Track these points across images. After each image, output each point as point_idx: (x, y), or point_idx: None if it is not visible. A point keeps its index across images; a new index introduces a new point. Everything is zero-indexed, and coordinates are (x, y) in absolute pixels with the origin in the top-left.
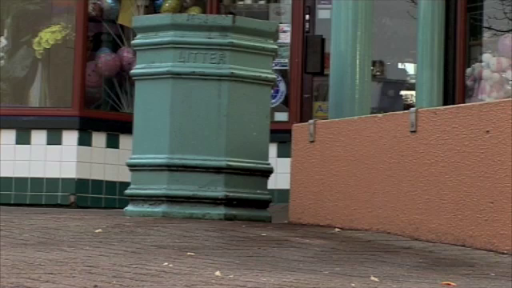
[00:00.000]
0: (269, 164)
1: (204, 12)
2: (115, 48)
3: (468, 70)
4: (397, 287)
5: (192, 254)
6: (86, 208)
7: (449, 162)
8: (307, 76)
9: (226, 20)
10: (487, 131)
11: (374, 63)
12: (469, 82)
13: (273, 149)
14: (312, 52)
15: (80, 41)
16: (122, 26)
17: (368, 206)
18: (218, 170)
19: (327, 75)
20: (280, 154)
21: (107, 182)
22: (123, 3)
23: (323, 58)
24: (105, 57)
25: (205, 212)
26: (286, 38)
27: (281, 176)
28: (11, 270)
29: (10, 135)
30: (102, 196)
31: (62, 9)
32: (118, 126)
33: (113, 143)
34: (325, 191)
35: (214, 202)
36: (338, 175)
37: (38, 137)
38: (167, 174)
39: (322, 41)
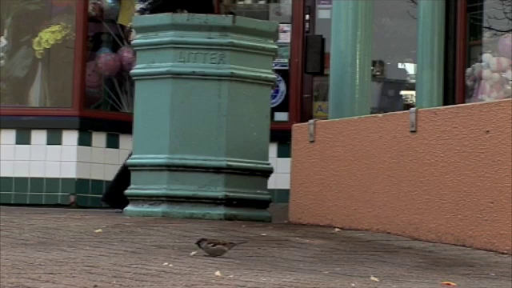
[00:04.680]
0: (269, 164)
1: None
2: (115, 48)
3: (468, 70)
4: (397, 287)
5: (196, 253)
6: (85, 208)
7: (449, 161)
8: (307, 76)
9: (225, 20)
10: (487, 131)
11: (374, 63)
12: (469, 82)
13: (273, 149)
14: (312, 52)
15: (80, 41)
16: (122, 26)
17: (368, 205)
18: (217, 169)
19: (327, 75)
20: (280, 154)
21: (107, 182)
22: (123, 3)
23: (323, 58)
24: (105, 57)
25: (205, 212)
26: (286, 38)
27: (281, 176)
28: (11, 270)
29: (10, 135)
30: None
31: (62, 9)
32: (117, 126)
33: (113, 143)
34: (325, 191)
35: (214, 202)
36: (338, 175)
37: (38, 137)
38: (167, 174)
39: (322, 41)
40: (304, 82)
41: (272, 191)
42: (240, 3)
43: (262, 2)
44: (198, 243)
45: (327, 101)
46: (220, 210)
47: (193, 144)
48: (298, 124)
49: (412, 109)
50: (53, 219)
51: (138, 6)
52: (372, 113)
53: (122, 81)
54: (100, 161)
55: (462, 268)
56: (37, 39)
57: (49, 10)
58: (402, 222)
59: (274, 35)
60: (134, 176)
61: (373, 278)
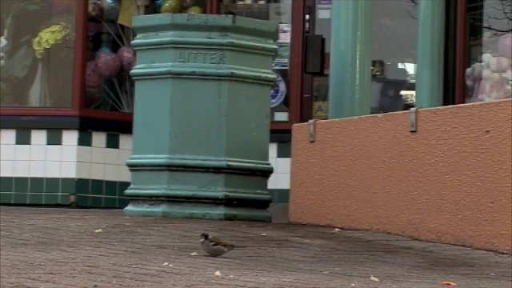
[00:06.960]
0: (269, 164)
1: (204, 12)
2: (115, 48)
3: (468, 70)
4: (397, 287)
5: (196, 253)
6: (85, 208)
7: (449, 161)
8: (307, 76)
9: (225, 20)
10: (487, 131)
11: (373, 63)
12: (469, 82)
13: (273, 149)
14: (312, 52)
15: (80, 41)
16: (122, 26)
17: (368, 206)
18: (218, 169)
19: (327, 75)
20: (280, 154)
21: (107, 182)
22: (123, 3)
23: (323, 58)
24: (105, 57)
25: (205, 212)
26: (286, 38)
27: (281, 176)
28: (11, 270)
29: (10, 135)
30: (102, 196)
31: (62, 9)
32: (117, 126)
33: (113, 143)
34: (325, 191)
35: (214, 202)
36: (338, 175)
37: (38, 137)
38: (167, 174)
39: (322, 41)
40: (304, 82)
41: (272, 191)
42: (240, 3)
43: (262, 2)
44: (203, 236)
45: (327, 101)
46: (220, 210)
47: (193, 144)
48: (298, 124)
49: (412, 109)
50: (53, 219)
51: None
52: (372, 113)
53: (122, 81)
54: (100, 161)
55: (462, 268)
56: (37, 39)
57: (49, 10)
58: (402, 221)
59: (274, 35)
60: (133, 176)
61: (373, 278)
